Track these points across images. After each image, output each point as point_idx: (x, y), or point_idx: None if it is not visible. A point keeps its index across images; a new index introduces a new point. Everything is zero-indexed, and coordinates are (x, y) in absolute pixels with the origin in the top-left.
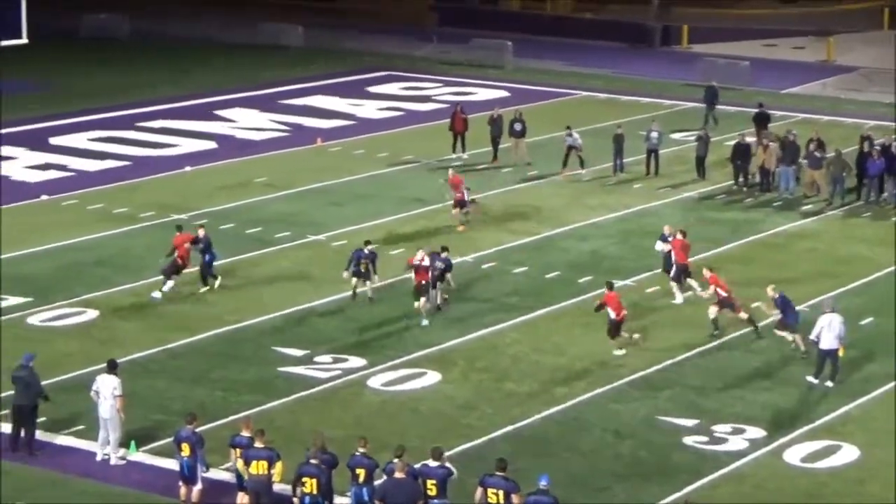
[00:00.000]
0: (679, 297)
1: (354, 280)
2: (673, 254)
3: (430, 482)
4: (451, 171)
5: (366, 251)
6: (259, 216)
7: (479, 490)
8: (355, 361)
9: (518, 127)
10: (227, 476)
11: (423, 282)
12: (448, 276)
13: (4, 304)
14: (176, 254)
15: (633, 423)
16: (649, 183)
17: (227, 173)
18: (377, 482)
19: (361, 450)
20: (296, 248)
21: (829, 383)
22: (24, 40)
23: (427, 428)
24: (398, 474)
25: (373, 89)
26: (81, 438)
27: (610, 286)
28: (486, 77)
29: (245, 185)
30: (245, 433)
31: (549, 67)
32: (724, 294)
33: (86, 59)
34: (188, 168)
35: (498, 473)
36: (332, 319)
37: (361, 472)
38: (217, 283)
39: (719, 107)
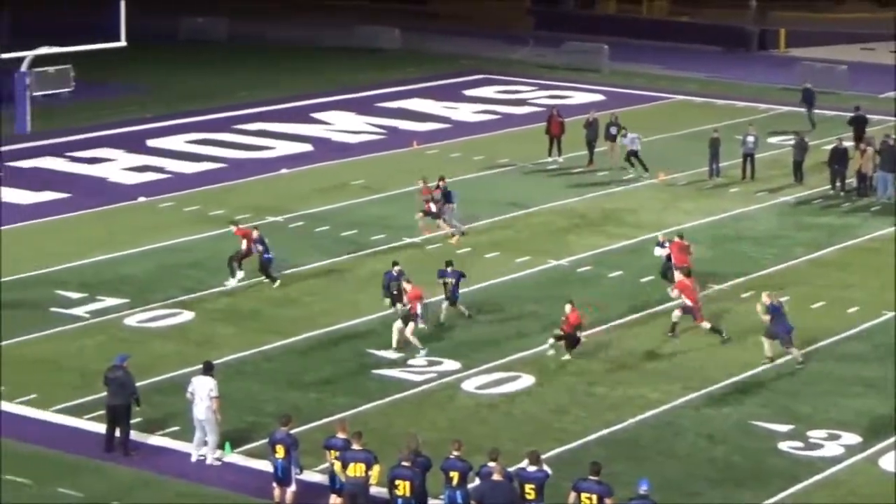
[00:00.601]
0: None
1: (388, 302)
2: (672, 258)
3: (528, 486)
4: (421, 182)
5: (394, 272)
6: (355, 219)
7: (573, 494)
8: (450, 364)
9: (614, 130)
10: (320, 478)
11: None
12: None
13: (102, 305)
14: (244, 245)
15: (727, 427)
16: (745, 187)
17: (322, 176)
18: (471, 485)
19: (455, 453)
20: (391, 251)
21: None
22: (123, 43)
23: (520, 431)
24: (495, 477)
25: (468, 92)
26: (176, 439)
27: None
28: (582, 80)
29: (341, 187)
30: (340, 435)
31: (645, 71)
32: (689, 304)
33: (184, 62)
34: (284, 170)
35: (591, 477)
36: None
37: (455, 475)
38: (276, 283)
39: (816, 110)
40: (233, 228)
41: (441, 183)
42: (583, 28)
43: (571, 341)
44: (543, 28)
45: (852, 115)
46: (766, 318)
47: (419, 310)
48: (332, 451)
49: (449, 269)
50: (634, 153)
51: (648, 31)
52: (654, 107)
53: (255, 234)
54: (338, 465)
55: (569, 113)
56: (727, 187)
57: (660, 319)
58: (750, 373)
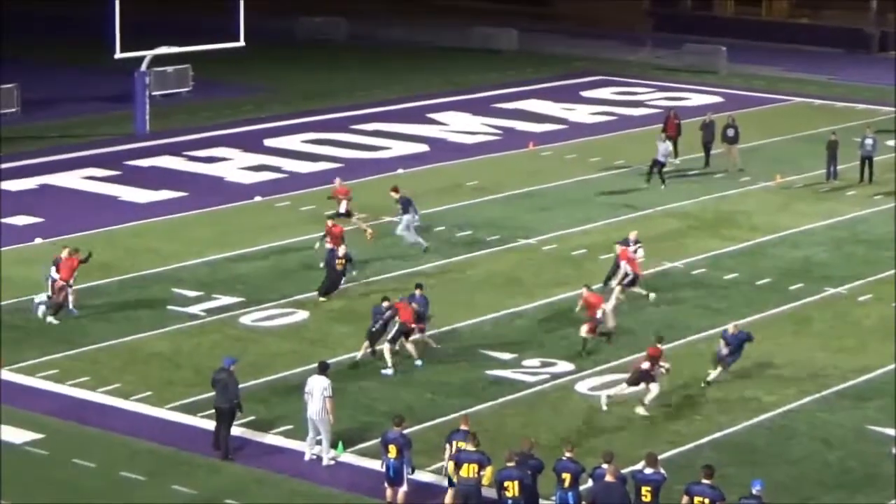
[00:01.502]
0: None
1: (368, 341)
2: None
3: (645, 489)
4: (337, 181)
5: (383, 306)
6: (470, 219)
7: (685, 498)
8: (563, 366)
9: (731, 132)
10: (432, 478)
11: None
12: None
13: (218, 303)
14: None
15: (842, 432)
16: (863, 190)
17: (438, 176)
18: (583, 487)
19: (567, 454)
20: (506, 252)
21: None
22: (241, 43)
23: (634, 433)
24: (608, 478)
25: (586, 94)
26: (290, 438)
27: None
28: (699, 82)
29: (456, 188)
30: (463, 427)
31: (764, 73)
32: (598, 318)
33: (301, 62)
34: (400, 170)
35: (704, 481)
36: (542, 324)
37: (567, 477)
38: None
39: None
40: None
41: (396, 193)
42: (702, 30)
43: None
44: (662, 29)
45: None
46: (725, 350)
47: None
48: (453, 444)
49: (418, 294)
50: (869, 158)
51: (767, 32)
52: (773, 109)
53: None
54: (451, 466)
55: (686, 115)
56: (844, 190)
57: (778, 321)
58: (866, 377)
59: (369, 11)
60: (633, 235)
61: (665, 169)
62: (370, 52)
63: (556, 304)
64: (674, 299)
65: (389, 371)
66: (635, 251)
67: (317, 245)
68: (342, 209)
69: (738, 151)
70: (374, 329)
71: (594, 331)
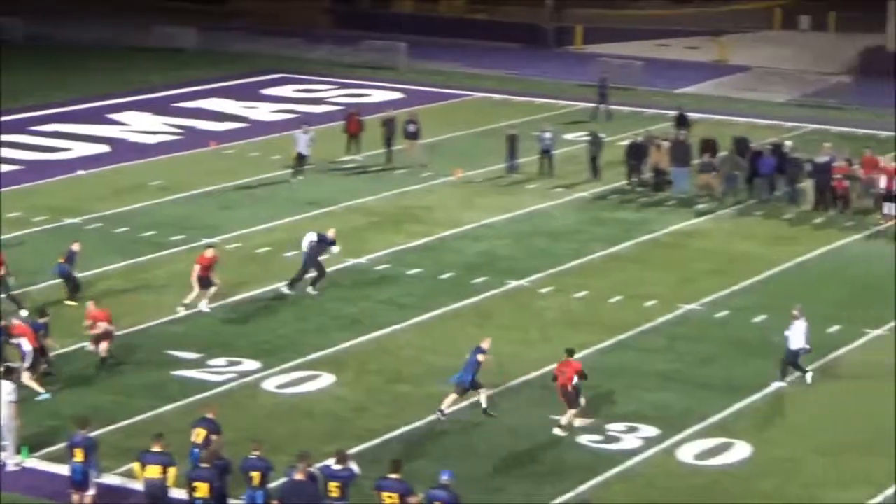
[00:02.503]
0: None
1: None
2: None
3: (332, 484)
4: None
5: (40, 322)
6: (154, 220)
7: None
8: (249, 364)
9: (412, 128)
10: (119, 481)
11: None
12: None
13: None
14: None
15: (528, 423)
16: (543, 183)
17: (121, 177)
18: (272, 484)
19: (255, 453)
20: (191, 252)
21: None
22: None
23: (321, 430)
24: (297, 476)
25: (267, 92)
26: None
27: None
28: (380, 79)
29: (139, 188)
30: (208, 415)
31: (444, 69)
32: (108, 327)
33: None
34: (81, 172)
35: (392, 476)
36: (227, 323)
37: (256, 476)
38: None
39: (613, 106)
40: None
41: None
42: (381, 27)
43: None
44: (342, 26)
45: (677, 113)
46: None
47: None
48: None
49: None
50: (547, 151)
51: (446, 28)
52: (453, 104)
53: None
54: (136, 467)
55: (367, 111)
56: (524, 184)
57: (461, 315)
58: (550, 367)
59: (46, 11)
60: (331, 233)
61: (349, 166)
62: (48, 52)
63: (241, 303)
64: (359, 296)
65: (46, 395)
66: (329, 249)
67: None
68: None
69: (420, 147)
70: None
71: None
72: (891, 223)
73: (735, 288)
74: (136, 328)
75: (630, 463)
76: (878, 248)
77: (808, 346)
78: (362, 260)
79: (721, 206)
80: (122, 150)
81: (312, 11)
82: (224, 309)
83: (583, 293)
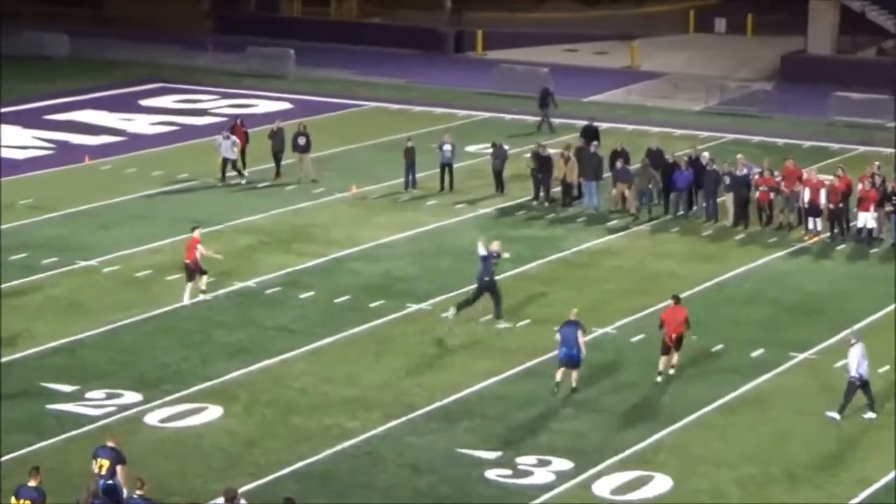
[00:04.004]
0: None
1: None
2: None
3: None
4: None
5: None
6: (24, 241)
7: None
8: (130, 396)
9: (302, 141)
10: None
11: None
12: None
13: None
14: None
15: (431, 456)
16: (444, 199)
17: None
18: None
19: (139, 492)
20: (65, 275)
21: (872, 414)
22: None
23: (209, 466)
24: None
25: (145, 102)
26: None
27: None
28: (266, 88)
29: (9, 206)
30: (109, 443)
31: (336, 77)
32: None
33: None
34: None
35: None
36: (105, 352)
37: None
38: None
39: (517, 116)
40: None
41: None
42: (267, 32)
43: None
44: (225, 32)
45: (586, 124)
46: None
47: None
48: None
49: None
50: (448, 165)
51: (337, 33)
52: (346, 114)
53: None
54: (13, 502)
55: (253, 123)
56: (424, 199)
57: (359, 341)
58: (455, 396)
59: None
60: (495, 246)
61: (234, 182)
62: None
63: (120, 331)
64: (247, 322)
65: None
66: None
67: None
68: None
69: (311, 161)
70: None
71: None
72: (815, 239)
73: (652, 310)
74: (7, 359)
75: (543, 498)
76: (803, 265)
77: (860, 374)
78: (251, 283)
79: (635, 222)
80: None
81: (192, 15)
82: (102, 336)
83: (488, 317)
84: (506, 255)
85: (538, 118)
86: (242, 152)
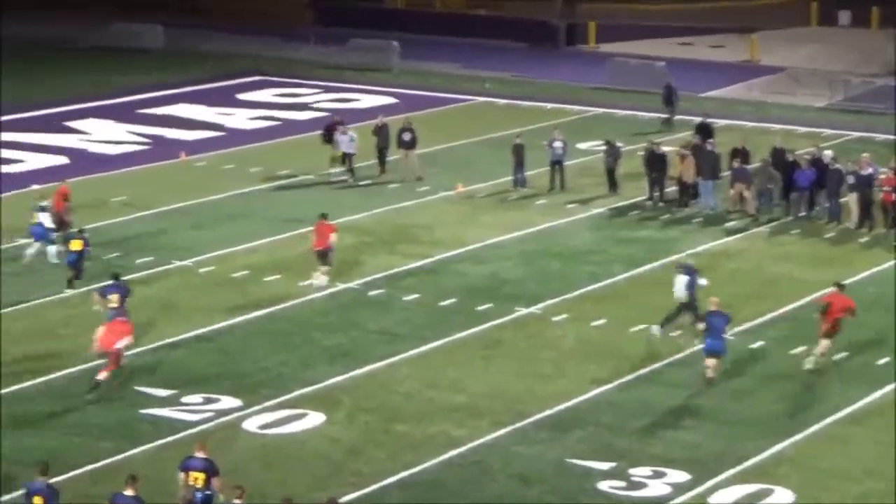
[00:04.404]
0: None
1: None
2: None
3: None
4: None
5: None
6: (117, 239)
7: None
8: (228, 401)
9: (407, 137)
10: None
11: None
12: None
13: None
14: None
15: (541, 466)
16: (554, 198)
17: (80, 191)
18: None
19: (237, 501)
20: (159, 276)
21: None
22: None
23: (310, 475)
24: None
25: (243, 96)
26: None
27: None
28: (370, 82)
29: (101, 204)
30: (199, 454)
31: (442, 70)
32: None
33: None
34: (35, 186)
35: None
36: (202, 355)
37: None
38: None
39: (631, 112)
40: None
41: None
42: (370, 24)
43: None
44: (326, 24)
45: (700, 121)
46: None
47: None
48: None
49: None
50: (559, 162)
51: (443, 26)
52: (452, 109)
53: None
54: None
55: (356, 118)
56: (534, 199)
57: (466, 346)
58: (566, 405)
59: None
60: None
61: (337, 179)
62: None
63: (216, 333)
64: (350, 324)
65: None
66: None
67: None
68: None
69: (416, 157)
70: None
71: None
72: None
73: (771, 315)
74: (99, 362)
75: None
76: None
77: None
78: (353, 284)
79: (754, 223)
80: (82, 161)
81: (292, 6)
82: (197, 339)
83: (601, 321)
84: (702, 281)
85: (662, 115)
86: None
